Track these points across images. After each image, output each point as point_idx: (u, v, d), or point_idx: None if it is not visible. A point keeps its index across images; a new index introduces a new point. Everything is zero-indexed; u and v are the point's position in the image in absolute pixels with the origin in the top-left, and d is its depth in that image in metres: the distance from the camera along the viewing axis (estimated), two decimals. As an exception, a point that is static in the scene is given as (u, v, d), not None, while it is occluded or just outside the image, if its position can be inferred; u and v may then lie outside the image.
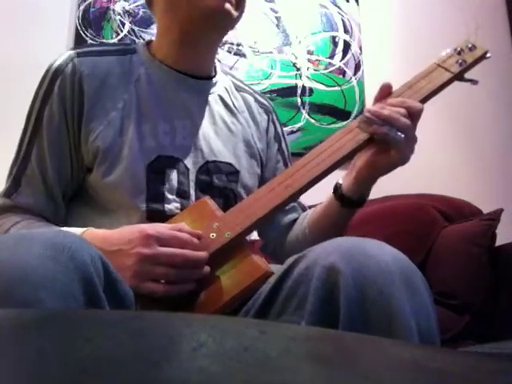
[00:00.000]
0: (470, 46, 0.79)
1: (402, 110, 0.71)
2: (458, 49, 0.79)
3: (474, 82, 0.78)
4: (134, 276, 0.62)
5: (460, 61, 0.78)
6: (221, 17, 0.79)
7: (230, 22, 0.82)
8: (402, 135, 0.70)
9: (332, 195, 0.82)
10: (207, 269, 0.66)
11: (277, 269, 0.67)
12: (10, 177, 0.80)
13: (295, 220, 0.94)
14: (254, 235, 0.95)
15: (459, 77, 0.78)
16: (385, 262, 0.56)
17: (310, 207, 0.95)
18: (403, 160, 0.73)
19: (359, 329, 0.54)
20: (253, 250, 0.71)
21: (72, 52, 0.82)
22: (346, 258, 0.57)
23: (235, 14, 0.80)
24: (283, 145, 0.99)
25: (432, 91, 0.76)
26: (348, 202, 0.80)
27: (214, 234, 0.70)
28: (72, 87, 0.78)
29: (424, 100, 0.76)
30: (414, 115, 0.72)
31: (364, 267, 0.56)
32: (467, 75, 0.79)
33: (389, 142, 0.72)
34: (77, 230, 0.69)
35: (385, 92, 0.77)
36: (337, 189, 0.81)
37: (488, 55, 0.79)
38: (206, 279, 0.67)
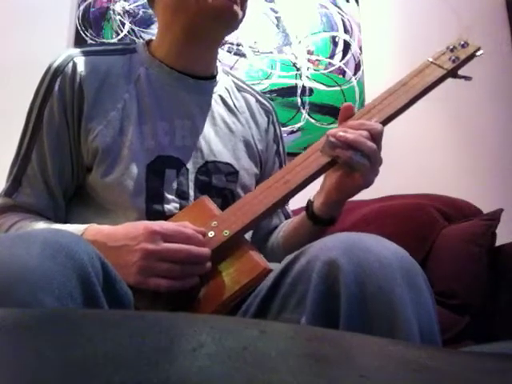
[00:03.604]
0: (462, 43, 0.80)
1: (365, 133, 0.70)
2: (451, 46, 0.80)
3: (467, 78, 0.79)
4: (138, 272, 0.63)
5: (453, 57, 0.78)
6: (228, 18, 0.80)
7: (235, 23, 0.83)
8: (366, 160, 0.69)
9: (304, 212, 0.83)
10: (209, 264, 0.67)
11: (276, 266, 0.67)
12: (11, 176, 0.80)
13: (276, 227, 0.95)
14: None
15: (453, 73, 0.79)
16: (385, 257, 0.56)
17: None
18: (367, 183, 0.72)
19: (360, 324, 0.54)
20: (251, 248, 0.71)
21: (72, 51, 0.82)
22: (346, 254, 0.57)
23: (241, 14, 0.81)
24: (281, 147, 0.99)
25: (425, 88, 0.76)
26: (319, 221, 0.80)
27: (213, 233, 0.70)
28: (72, 87, 0.78)
29: (417, 98, 0.76)
30: (375, 137, 0.70)
31: (364, 262, 0.56)
32: (461, 72, 0.80)
33: (353, 166, 0.70)
34: (79, 227, 0.70)
35: (347, 113, 0.75)
36: (308, 207, 0.82)
37: (480, 52, 0.79)
38: (206, 277, 0.67)
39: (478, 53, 0.79)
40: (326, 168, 0.73)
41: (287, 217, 0.97)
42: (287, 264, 0.65)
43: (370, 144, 0.69)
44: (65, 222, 0.80)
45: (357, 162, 0.69)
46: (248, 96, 0.95)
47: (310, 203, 0.82)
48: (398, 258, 0.57)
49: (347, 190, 0.74)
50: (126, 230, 0.66)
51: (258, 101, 0.97)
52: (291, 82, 1.92)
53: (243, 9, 0.82)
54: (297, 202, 0.91)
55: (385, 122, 0.74)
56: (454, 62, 0.78)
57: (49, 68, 0.80)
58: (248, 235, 0.81)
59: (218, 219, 0.72)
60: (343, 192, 0.75)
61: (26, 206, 0.78)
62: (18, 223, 0.75)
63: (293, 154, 1.03)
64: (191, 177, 0.81)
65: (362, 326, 0.53)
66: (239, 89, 0.95)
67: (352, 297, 0.54)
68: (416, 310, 0.54)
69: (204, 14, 0.79)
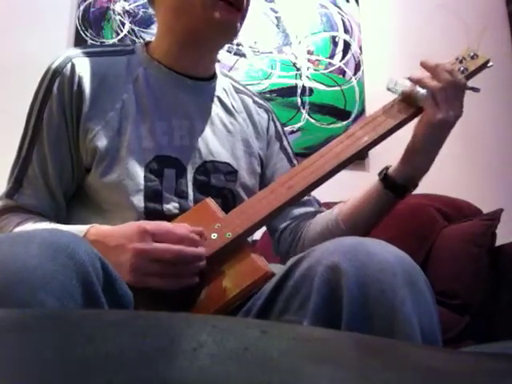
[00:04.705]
0: (471, 54, 0.80)
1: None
2: (460, 57, 0.81)
3: (475, 89, 0.80)
4: (131, 270, 0.63)
5: (462, 68, 0.79)
6: (229, 30, 0.82)
7: (235, 35, 0.85)
8: (424, 90, 0.75)
9: (374, 185, 0.82)
10: (203, 263, 0.66)
11: (278, 269, 0.67)
12: (12, 178, 0.80)
13: (313, 213, 0.92)
14: (256, 236, 0.95)
15: None
16: (387, 261, 0.56)
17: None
18: (436, 117, 0.75)
19: (362, 328, 0.54)
20: (253, 251, 0.71)
21: (70, 52, 0.82)
22: (348, 258, 0.57)
23: (239, 27, 0.83)
24: (285, 143, 0.98)
25: None
26: (390, 184, 0.80)
27: (216, 235, 0.70)
28: (70, 88, 0.78)
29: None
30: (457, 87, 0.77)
31: (366, 266, 0.56)
32: (469, 83, 0.81)
33: (414, 98, 0.77)
34: (81, 228, 0.70)
35: None
36: (382, 171, 0.82)
37: (490, 64, 0.80)
38: (207, 279, 0.67)
39: (488, 64, 0.80)
40: (332, 173, 0.74)
41: (320, 205, 0.95)
42: (289, 267, 0.65)
43: (429, 80, 0.75)
44: (65, 222, 0.80)
45: (415, 93, 0.76)
46: (245, 97, 0.96)
47: (384, 170, 0.82)
48: (399, 262, 0.57)
49: (419, 132, 0.78)
50: (122, 230, 0.67)
51: (255, 102, 0.97)
52: (291, 81, 1.92)
53: (243, 21, 0.84)
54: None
55: (393, 130, 0.78)
56: (462, 73, 0.79)
57: (48, 69, 0.81)
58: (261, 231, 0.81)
59: (222, 222, 0.72)
60: (417, 136, 0.79)
61: (28, 207, 0.78)
62: (20, 225, 0.75)
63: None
64: (190, 177, 0.81)
65: (364, 329, 0.54)
66: (237, 91, 0.96)
67: (354, 300, 0.54)
68: (418, 314, 0.54)
69: (207, 23, 0.79)
